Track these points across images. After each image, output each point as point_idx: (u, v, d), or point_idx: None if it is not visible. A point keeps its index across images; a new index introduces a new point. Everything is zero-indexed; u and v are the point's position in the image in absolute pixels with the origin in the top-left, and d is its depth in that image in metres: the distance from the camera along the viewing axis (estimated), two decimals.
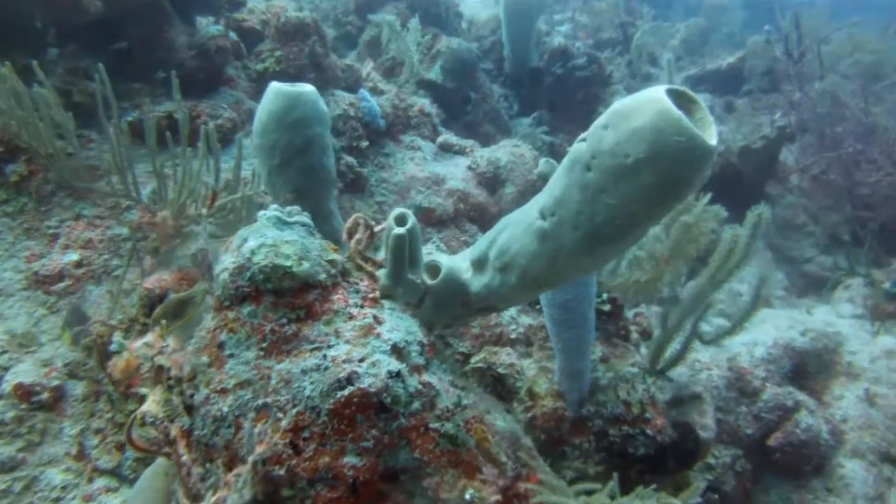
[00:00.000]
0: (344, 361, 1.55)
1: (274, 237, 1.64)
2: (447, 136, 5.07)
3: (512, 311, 3.15)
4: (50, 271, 2.97)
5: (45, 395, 2.50)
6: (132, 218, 3.06)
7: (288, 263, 1.60)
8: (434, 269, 1.84)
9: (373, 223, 1.88)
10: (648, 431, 2.87)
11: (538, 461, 1.85)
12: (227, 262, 1.65)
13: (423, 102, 5.09)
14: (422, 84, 5.57)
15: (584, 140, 1.48)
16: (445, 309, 1.87)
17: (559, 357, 2.83)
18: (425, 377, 1.69)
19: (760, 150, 5.61)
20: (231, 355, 1.62)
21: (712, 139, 1.32)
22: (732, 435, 3.83)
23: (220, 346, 1.63)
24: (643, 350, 3.65)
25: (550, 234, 1.53)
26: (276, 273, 1.59)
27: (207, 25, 4.30)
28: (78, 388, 2.59)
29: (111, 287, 2.84)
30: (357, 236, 1.82)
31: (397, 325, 1.71)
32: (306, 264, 1.62)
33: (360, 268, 1.80)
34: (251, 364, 1.59)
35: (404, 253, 1.76)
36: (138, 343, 1.55)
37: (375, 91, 4.78)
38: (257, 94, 4.35)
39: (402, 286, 1.79)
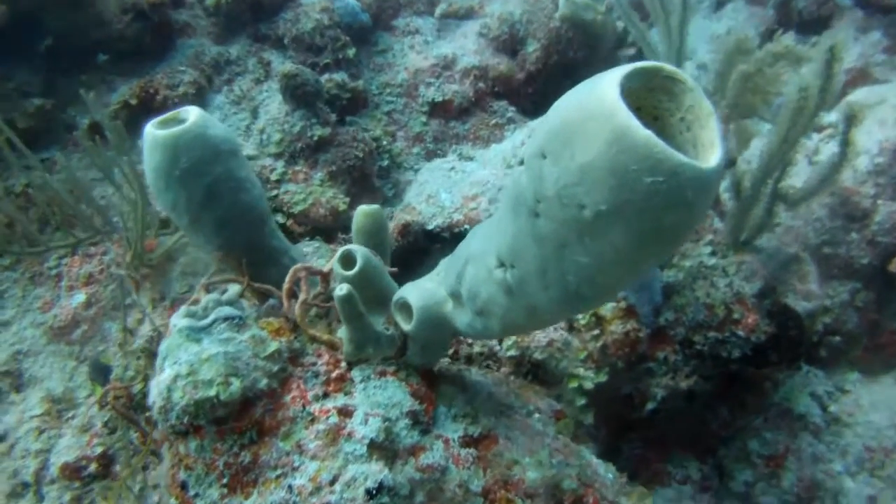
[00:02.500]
0: (312, 493, 1.25)
1: (189, 359, 1.29)
2: (447, 1, 4.33)
3: None
4: (64, 321, 2.82)
5: (94, 467, 2.41)
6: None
7: (212, 392, 1.27)
8: (407, 307, 1.45)
9: (319, 268, 1.49)
10: (740, 332, 2.46)
11: (594, 485, 1.53)
12: (153, 393, 1.35)
13: None
14: None
15: (522, 162, 0.98)
16: (436, 347, 1.50)
17: None
18: (424, 459, 1.37)
19: None
20: (196, 495, 1.36)
21: (713, 157, 0.81)
22: (847, 269, 3.31)
23: (183, 486, 1.38)
24: (727, 184, 3.04)
25: (517, 290, 1.09)
26: (202, 409, 1.27)
27: None
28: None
29: (120, 323, 2.66)
30: (301, 297, 1.44)
31: (374, 405, 1.37)
32: (236, 382, 1.28)
33: (314, 339, 1.44)
34: None
35: (359, 311, 1.37)
36: None
37: None
38: (221, 32, 3.80)
39: (371, 345, 1.43)
